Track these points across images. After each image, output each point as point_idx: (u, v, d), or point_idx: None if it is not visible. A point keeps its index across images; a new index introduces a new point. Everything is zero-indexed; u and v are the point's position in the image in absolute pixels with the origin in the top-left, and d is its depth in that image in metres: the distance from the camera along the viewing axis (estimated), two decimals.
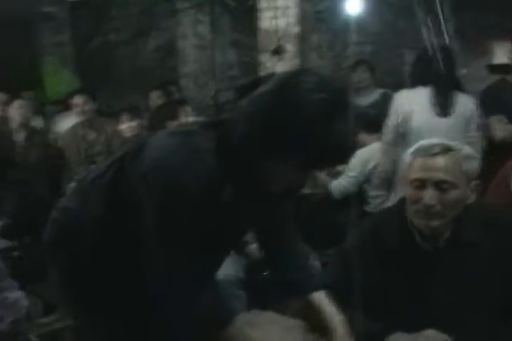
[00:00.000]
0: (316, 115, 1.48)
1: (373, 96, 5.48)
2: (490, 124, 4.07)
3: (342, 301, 2.05)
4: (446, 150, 2.03)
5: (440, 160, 2.02)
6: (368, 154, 4.28)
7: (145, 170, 1.62)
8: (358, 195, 4.28)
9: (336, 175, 4.52)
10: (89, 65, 7.76)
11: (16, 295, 2.64)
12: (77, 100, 5.44)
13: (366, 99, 5.43)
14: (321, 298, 1.90)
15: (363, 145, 4.36)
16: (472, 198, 2.07)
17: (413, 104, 3.90)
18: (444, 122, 3.83)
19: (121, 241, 1.77)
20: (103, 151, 5.32)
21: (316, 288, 1.92)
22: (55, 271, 1.94)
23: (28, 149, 5.27)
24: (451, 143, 2.10)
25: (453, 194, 2.00)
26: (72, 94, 5.61)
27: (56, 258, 1.92)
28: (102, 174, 1.83)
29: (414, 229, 2.08)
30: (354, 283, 2.10)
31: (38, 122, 6.08)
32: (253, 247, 3.42)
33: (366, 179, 4.28)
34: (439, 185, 2.00)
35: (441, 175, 2.00)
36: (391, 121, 3.99)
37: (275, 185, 1.64)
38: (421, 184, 2.02)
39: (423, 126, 3.82)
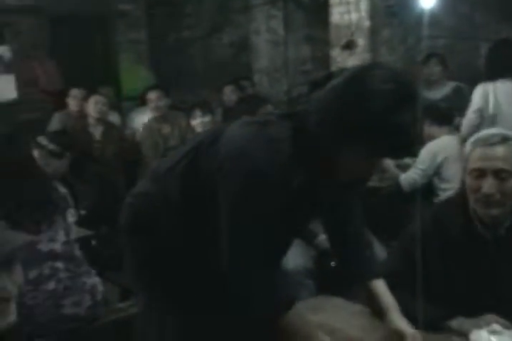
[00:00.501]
0: (384, 105, 1.55)
1: (445, 89, 5.44)
2: None
3: (404, 288, 2.11)
4: (505, 139, 2.07)
5: (499, 150, 2.05)
6: (438, 147, 4.27)
7: (222, 158, 1.69)
8: (427, 188, 4.28)
9: (406, 168, 4.52)
10: (164, 61, 7.92)
11: (93, 281, 2.75)
12: (152, 95, 5.57)
13: (438, 93, 5.39)
14: (378, 286, 1.96)
15: (433, 138, 4.35)
16: None
17: (498, 95, 3.98)
18: None
19: (195, 227, 1.84)
20: (178, 145, 5.43)
21: (376, 277, 1.97)
22: (130, 255, 2.01)
23: (104, 144, 5.43)
24: (510, 133, 2.13)
25: None
26: (147, 90, 5.76)
27: (131, 242, 1.99)
28: (178, 162, 1.89)
29: (475, 218, 2.12)
30: (416, 271, 2.15)
31: (114, 117, 6.24)
32: (322, 238, 3.47)
33: (435, 172, 4.27)
34: (498, 174, 2.03)
35: (499, 164, 2.03)
36: (472, 110, 4.07)
37: (345, 173, 1.70)
38: (480, 173, 2.05)
39: (508, 117, 3.89)
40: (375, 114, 1.55)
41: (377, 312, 1.96)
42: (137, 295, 2.91)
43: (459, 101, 5.20)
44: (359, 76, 1.62)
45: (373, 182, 4.61)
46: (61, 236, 2.63)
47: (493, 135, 2.10)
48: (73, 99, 5.97)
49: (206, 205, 1.76)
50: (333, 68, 6.20)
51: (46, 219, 2.59)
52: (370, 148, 1.61)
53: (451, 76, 5.74)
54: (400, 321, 1.89)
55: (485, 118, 4.27)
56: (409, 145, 1.64)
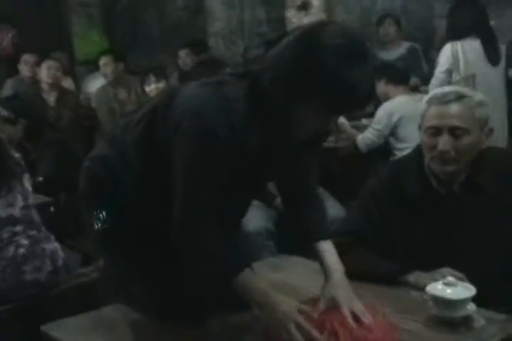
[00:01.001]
0: (335, 59, 1.54)
1: (400, 49, 5.49)
2: None
3: (363, 245, 2.15)
4: (460, 97, 2.09)
5: (453, 108, 2.08)
6: (394, 107, 4.31)
7: (177, 119, 1.68)
8: (384, 148, 4.33)
9: (363, 129, 4.56)
10: (117, 25, 7.79)
11: (53, 246, 2.74)
12: (104, 60, 5.51)
13: (393, 53, 5.44)
14: (324, 248, 1.92)
15: (389, 97, 4.38)
16: (486, 143, 2.14)
17: (467, 55, 4.10)
18: (494, 71, 4.27)
19: (153, 189, 1.83)
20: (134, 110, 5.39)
21: (323, 238, 1.94)
22: (89, 220, 2.00)
23: (59, 110, 5.37)
24: (464, 90, 2.17)
25: (466, 140, 2.07)
26: (99, 55, 5.68)
27: (90, 206, 1.97)
28: (136, 124, 1.87)
29: (430, 175, 2.16)
30: (373, 228, 2.20)
31: (68, 83, 6.16)
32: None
33: (391, 131, 4.31)
34: (453, 132, 2.07)
35: (454, 122, 2.07)
36: (441, 70, 4.16)
37: (300, 131, 1.70)
38: (436, 131, 2.09)
39: (477, 74, 4.02)
40: (327, 69, 1.54)
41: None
42: (98, 260, 2.95)
43: (414, 62, 5.25)
44: (311, 31, 1.61)
45: (331, 143, 4.65)
46: (19, 201, 2.61)
47: (448, 93, 2.12)
48: (25, 65, 5.87)
49: (163, 167, 1.75)
50: (289, 29, 6.18)
51: (4, 185, 2.56)
52: (323, 104, 1.60)
53: (406, 37, 5.78)
54: (337, 288, 1.83)
55: (453, 78, 4.33)
56: (361, 101, 1.64)
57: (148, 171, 1.84)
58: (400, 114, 4.23)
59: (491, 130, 2.15)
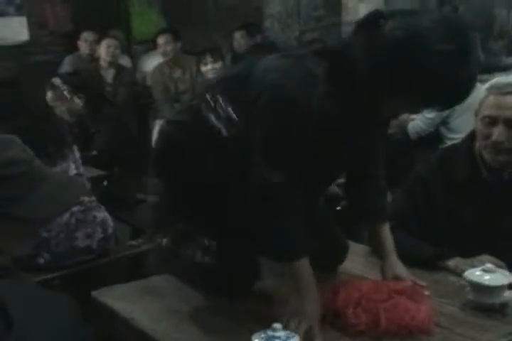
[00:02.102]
0: (443, 65, 1.54)
1: None
2: None
3: (405, 229, 2.20)
4: None
5: None
6: None
7: (259, 89, 1.71)
8: (435, 137, 4.32)
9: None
10: (174, 4, 7.86)
11: (104, 215, 2.85)
12: (161, 40, 5.59)
13: None
14: (382, 230, 2.00)
15: None
16: None
17: None
18: None
19: (230, 156, 1.82)
20: (188, 89, 5.47)
21: (383, 221, 2.02)
22: (162, 184, 2.05)
23: (116, 87, 5.48)
24: None
25: None
26: (157, 34, 5.76)
27: (163, 168, 2.02)
28: (213, 95, 1.87)
29: (481, 163, 2.19)
30: (418, 212, 2.24)
31: (125, 61, 6.26)
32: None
33: (443, 121, 4.30)
34: (509, 123, 2.09)
35: (511, 114, 2.08)
36: None
37: (381, 113, 1.74)
38: (492, 121, 2.11)
39: None
40: (434, 74, 1.55)
41: (379, 255, 2.02)
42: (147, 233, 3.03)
43: None
44: (410, 22, 1.59)
45: None
46: (72, 169, 2.73)
47: (508, 84, 2.13)
48: (85, 42, 5.99)
49: (240, 136, 1.78)
50: (344, 14, 6.19)
51: (58, 153, 2.67)
52: (418, 101, 1.65)
53: None
54: (397, 267, 1.96)
55: None
56: (460, 99, 1.66)
57: (223, 137, 1.83)
58: None
59: None
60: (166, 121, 2.04)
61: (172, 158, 1.95)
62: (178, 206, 2.03)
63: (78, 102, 3.98)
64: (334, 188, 3.57)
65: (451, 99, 1.66)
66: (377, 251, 2.04)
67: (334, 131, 1.75)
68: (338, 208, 3.53)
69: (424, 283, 1.92)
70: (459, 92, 1.63)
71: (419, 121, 4.38)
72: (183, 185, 1.94)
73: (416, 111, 1.75)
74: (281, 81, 1.69)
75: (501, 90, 2.12)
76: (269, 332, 1.49)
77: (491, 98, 2.13)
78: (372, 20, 1.62)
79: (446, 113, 4.23)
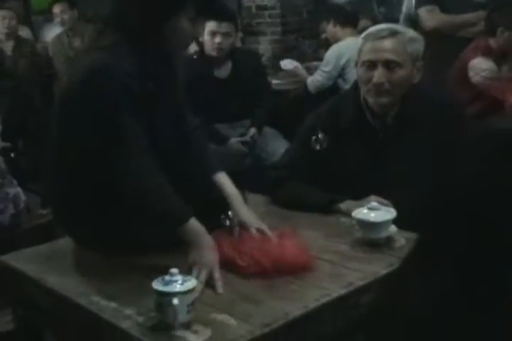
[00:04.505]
0: None
1: None
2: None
3: (301, 177, 2.31)
4: (393, 33, 2.25)
5: (388, 42, 2.24)
6: (342, 49, 4.39)
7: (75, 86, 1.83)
8: (333, 90, 4.44)
9: (314, 70, 4.67)
10: None
11: (15, 191, 2.84)
12: (57, 8, 5.50)
13: None
14: (221, 178, 2.07)
15: (337, 39, 4.48)
16: (417, 78, 2.30)
17: None
18: None
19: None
20: None
21: (217, 170, 2.08)
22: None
23: (16, 59, 5.36)
24: (398, 27, 2.33)
25: (400, 72, 2.23)
26: (52, 3, 5.65)
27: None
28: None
29: (365, 108, 2.31)
30: (309, 160, 2.35)
31: (25, 32, 6.13)
32: (233, 141, 3.71)
33: (340, 73, 4.42)
34: (388, 65, 2.23)
35: (388, 55, 2.22)
36: None
37: (177, 45, 1.92)
38: (371, 64, 2.25)
39: None
40: None
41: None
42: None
43: (365, 5, 5.35)
44: None
45: (282, 86, 4.77)
46: None
47: (382, 29, 2.28)
48: None
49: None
50: None
51: None
52: (188, 12, 1.84)
53: None
54: (242, 211, 2.00)
55: None
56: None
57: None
58: (348, 55, 4.30)
59: (422, 65, 2.30)
60: None
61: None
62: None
63: None
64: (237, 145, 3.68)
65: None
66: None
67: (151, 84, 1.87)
68: None
69: (267, 231, 1.95)
70: None
71: (317, 75, 4.50)
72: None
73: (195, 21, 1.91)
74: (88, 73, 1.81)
75: (376, 36, 2.25)
76: (167, 277, 1.57)
77: (368, 44, 2.26)
78: None
79: (341, 64, 4.36)
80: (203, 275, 1.73)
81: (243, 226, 1.96)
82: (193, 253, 1.79)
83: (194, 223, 1.80)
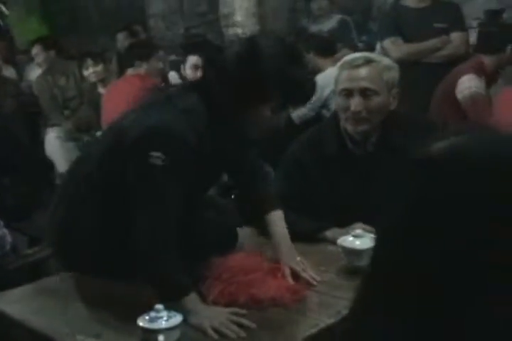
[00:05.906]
0: (279, 64, 1.81)
1: (331, 22, 5.60)
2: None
3: (289, 208, 2.31)
4: (368, 61, 2.28)
5: (363, 71, 2.26)
6: (325, 80, 4.38)
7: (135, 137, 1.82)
8: (316, 120, 4.45)
9: None
10: (54, 12, 7.76)
11: (1, 232, 2.82)
12: (34, 51, 5.54)
13: (324, 26, 5.56)
14: (273, 217, 2.11)
15: (320, 70, 4.50)
16: (394, 104, 2.32)
17: None
18: None
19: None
20: (76, 95, 5.44)
21: (274, 208, 2.12)
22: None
23: (1, 98, 5.39)
24: (373, 55, 2.36)
25: (376, 100, 2.25)
26: (32, 45, 5.69)
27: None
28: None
29: (346, 136, 2.33)
30: (296, 190, 2.36)
31: (9, 72, 6.17)
32: None
33: (323, 104, 4.43)
34: (364, 93, 2.24)
35: (364, 83, 2.24)
36: None
37: (254, 128, 1.94)
38: (348, 93, 2.27)
39: None
40: (276, 74, 1.79)
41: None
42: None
43: (345, 34, 5.41)
44: (249, 46, 1.86)
45: None
46: None
47: (357, 58, 2.31)
48: None
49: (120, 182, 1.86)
50: (221, 7, 6.30)
51: None
52: (277, 102, 1.85)
53: (343, 9, 5.94)
54: (286, 256, 2.02)
55: None
56: (308, 95, 1.93)
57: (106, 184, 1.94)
58: (331, 86, 4.24)
59: (398, 93, 2.33)
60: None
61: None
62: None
63: None
64: (223, 178, 3.66)
65: (301, 94, 1.91)
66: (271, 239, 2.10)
67: (216, 157, 1.92)
68: (233, 196, 3.62)
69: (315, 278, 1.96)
70: (305, 85, 1.87)
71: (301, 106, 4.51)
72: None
73: (278, 111, 1.95)
74: (154, 127, 1.81)
75: (351, 64, 2.28)
76: (153, 314, 1.56)
77: (344, 72, 2.29)
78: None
79: (325, 96, 4.38)
80: (229, 332, 1.68)
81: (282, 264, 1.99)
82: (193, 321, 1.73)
83: (192, 297, 1.76)
